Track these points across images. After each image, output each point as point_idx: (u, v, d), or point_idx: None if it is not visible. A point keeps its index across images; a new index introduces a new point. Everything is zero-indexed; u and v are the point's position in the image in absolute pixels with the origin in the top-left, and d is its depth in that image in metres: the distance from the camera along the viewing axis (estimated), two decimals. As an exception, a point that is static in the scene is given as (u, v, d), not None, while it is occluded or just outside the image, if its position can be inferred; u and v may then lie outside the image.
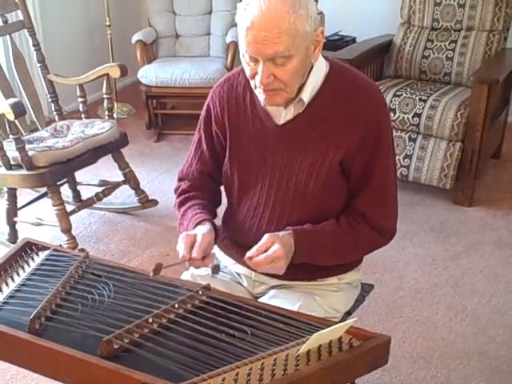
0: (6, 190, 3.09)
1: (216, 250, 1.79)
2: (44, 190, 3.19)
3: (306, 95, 1.55)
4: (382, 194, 1.61)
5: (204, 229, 1.58)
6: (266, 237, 1.51)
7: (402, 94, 3.48)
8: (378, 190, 1.60)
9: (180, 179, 1.81)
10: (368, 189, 1.59)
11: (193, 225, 1.62)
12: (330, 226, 1.60)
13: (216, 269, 1.69)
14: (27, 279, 1.52)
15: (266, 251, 1.48)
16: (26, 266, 1.58)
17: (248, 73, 1.51)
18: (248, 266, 1.54)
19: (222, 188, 1.79)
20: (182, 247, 1.55)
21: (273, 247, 1.48)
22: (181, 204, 1.74)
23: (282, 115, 1.59)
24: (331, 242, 1.59)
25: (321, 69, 1.57)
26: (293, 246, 1.53)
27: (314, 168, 1.58)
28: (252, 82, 1.52)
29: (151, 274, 1.48)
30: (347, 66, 1.64)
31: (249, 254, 1.49)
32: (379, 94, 1.61)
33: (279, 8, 1.39)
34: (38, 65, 3.36)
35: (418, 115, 3.40)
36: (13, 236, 3.13)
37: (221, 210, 1.80)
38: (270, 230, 1.61)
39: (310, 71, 1.54)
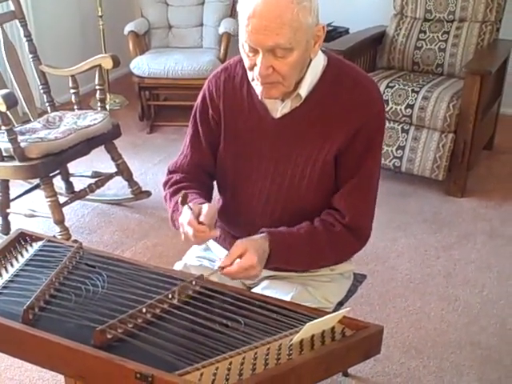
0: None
1: (210, 241, 1.78)
2: (36, 181, 3.18)
3: (304, 90, 1.55)
4: (363, 191, 1.60)
5: (206, 204, 1.54)
6: (237, 243, 1.49)
7: (394, 86, 3.49)
8: (360, 187, 1.59)
9: (171, 172, 1.76)
10: (350, 184, 1.58)
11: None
12: (306, 228, 1.57)
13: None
14: (21, 270, 1.52)
15: (239, 257, 1.45)
16: (19, 257, 1.58)
17: (247, 64, 1.49)
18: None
19: (214, 183, 1.77)
20: (187, 216, 1.48)
21: (245, 255, 1.45)
22: (174, 193, 1.68)
23: (279, 108, 1.58)
24: (307, 244, 1.56)
25: (319, 63, 1.56)
26: (267, 250, 1.51)
27: (310, 162, 1.58)
28: (250, 74, 1.51)
29: (179, 200, 1.46)
30: (344, 61, 1.64)
31: (221, 263, 1.47)
32: (376, 89, 1.61)
33: None
34: (30, 56, 3.34)
35: (411, 106, 3.41)
36: (5, 227, 3.13)
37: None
38: (264, 222, 1.61)
39: (308, 66, 1.53)
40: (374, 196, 1.64)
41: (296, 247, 1.55)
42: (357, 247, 1.66)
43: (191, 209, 1.49)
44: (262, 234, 1.53)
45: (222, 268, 1.47)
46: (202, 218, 1.48)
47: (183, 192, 1.49)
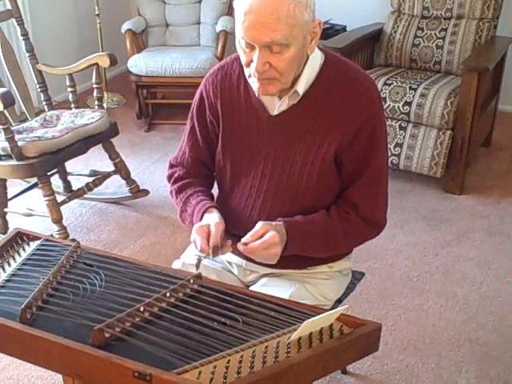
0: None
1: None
2: (34, 180, 3.17)
3: (301, 87, 1.55)
4: (375, 185, 1.62)
5: (214, 217, 1.59)
6: (259, 224, 1.51)
7: (392, 83, 3.49)
8: (371, 181, 1.60)
9: (173, 166, 1.80)
10: (361, 180, 1.60)
11: (199, 212, 1.62)
12: (321, 216, 1.60)
13: (216, 250, 1.59)
14: (18, 269, 1.52)
15: (260, 238, 1.48)
16: (17, 256, 1.58)
17: (243, 60, 1.49)
18: (241, 254, 1.54)
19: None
20: (198, 239, 1.54)
21: (268, 233, 1.48)
22: (179, 190, 1.73)
23: (276, 106, 1.58)
24: (322, 232, 1.59)
25: (316, 60, 1.56)
26: (285, 236, 1.53)
27: (308, 159, 1.58)
28: (247, 71, 1.51)
29: (211, 256, 1.53)
30: (342, 58, 1.63)
31: (243, 240, 1.49)
32: (373, 86, 1.61)
33: None
34: (27, 54, 3.33)
35: (409, 104, 3.40)
36: (3, 227, 3.12)
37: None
38: (261, 219, 1.61)
39: (305, 63, 1.53)
40: (385, 188, 1.66)
41: (312, 234, 1.57)
42: (372, 235, 1.68)
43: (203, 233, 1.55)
44: (279, 222, 1.55)
45: (245, 244, 1.48)
46: (211, 240, 1.52)
47: (198, 256, 1.57)
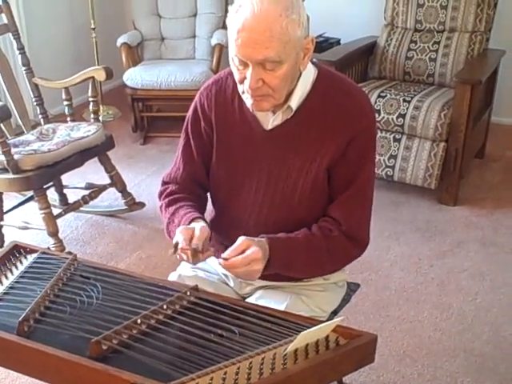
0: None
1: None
2: (30, 193, 3.18)
3: (295, 102, 1.56)
4: (359, 201, 1.61)
5: (200, 224, 1.56)
6: (241, 239, 1.48)
7: (386, 95, 3.51)
8: (356, 197, 1.60)
9: (165, 183, 1.78)
10: (346, 195, 1.59)
11: (186, 220, 1.59)
12: (304, 233, 1.58)
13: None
14: (16, 282, 1.52)
15: (242, 253, 1.45)
16: (14, 269, 1.59)
17: (237, 77, 1.50)
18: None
19: (208, 195, 1.78)
20: (180, 238, 1.50)
21: (250, 249, 1.46)
22: (169, 204, 1.70)
23: (271, 120, 1.59)
24: (305, 248, 1.56)
25: (309, 75, 1.58)
26: (267, 251, 1.50)
27: (302, 173, 1.59)
28: (240, 87, 1.52)
29: (171, 252, 1.48)
30: (335, 72, 1.65)
31: (224, 255, 1.46)
32: (366, 100, 1.62)
33: (272, 11, 1.38)
34: (23, 68, 3.35)
35: (403, 116, 3.43)
36: (-1, 240, 3.12)
37: (207, 215, 1.79)
38: (257, 232, 1.62)
39: (298, 78, 1.54)
40: (369, 205, 1.65)
41: (295, 251, 1.55)
42: (355, 253, 1.66)
43: (186, 234, 1.50)
44: (261, 238, 1.53)
45: (226, 259, 1.45)
46: (194, 241, 1.49)
47: (175, 241, 1.50)
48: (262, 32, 1.39)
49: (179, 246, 1.48)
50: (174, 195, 1.72)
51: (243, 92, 1.52)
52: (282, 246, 1.54)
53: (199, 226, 1.53)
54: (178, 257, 1.52)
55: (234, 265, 1.45)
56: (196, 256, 1.49)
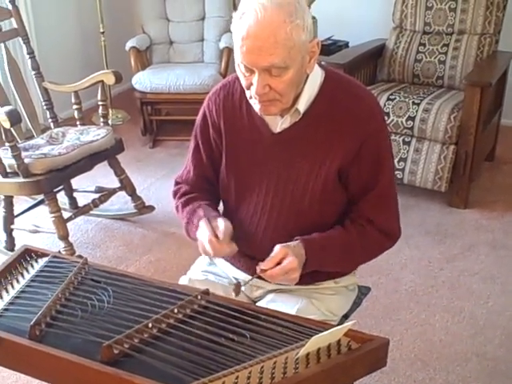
0: (2, 197, 3.09)
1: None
2: (41, 197, 3.19)
3: (302, 105, 1.55)
4: (386, 198, 1.63)
5: (222, 219, 1.58)
6: (277, 248, 1.50)
7: (395, 98, 3.50)
8: (382, 194, 1.61)
9: (178, 183, 1.81)
10: (372, 194, 1.60)
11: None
12: (338, 232, 1.60)
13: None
14: (27, 286, 1.53)
15: (279, 263, 1.48)
16: (25, 273, 1.59)
17: (243, 83, 1.51)
18: (246, 269, 1.55)
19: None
20: (205, 232, 1.53)
21: (287, 259, 1.48)
22: (185, 204, 1.73)
23: (279, 124, 1.59)
24: (340, 247, 1.59)
25: (316, 78, 1.57)
26: (304, 256, 1.53)
27: (311, 176, 1.58)
28: (247, 93, 1.52)
29: (233, 295, 1.52)
30: (342, 74, 1.65)
31: (262, 265, 1.49)
32: (374, 101, 1.62)
33: (276, 17, 1.38)
34: (33, 72, 3.36)
35: (412, 118, 3.42)
36: (10, 243, 3.13)
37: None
38: (267, 236, 1.62)
39: (305, 81, 1.54)
40: (395, 201, 1.67)
41: (330, 249, 1.58)
42: (388, 246, 1.69)
43: (210, 226, 1.54)
44: (296, 241, 1.55)
45: (265, 270, 1.48)
46: (219, 234, 1.52)
47: (236, 282, 1.56)
48: (266, 39, 1.39)
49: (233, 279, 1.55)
50: (189, 195, 1.75)
51: (250, 97, 1.52)
52: (317, 247, 1.56)
53: (222, 220, 1.56)
54: (200, 248, 1.56)
55: (273, 276, 1.49)
56: (238, 291, 1.53)
